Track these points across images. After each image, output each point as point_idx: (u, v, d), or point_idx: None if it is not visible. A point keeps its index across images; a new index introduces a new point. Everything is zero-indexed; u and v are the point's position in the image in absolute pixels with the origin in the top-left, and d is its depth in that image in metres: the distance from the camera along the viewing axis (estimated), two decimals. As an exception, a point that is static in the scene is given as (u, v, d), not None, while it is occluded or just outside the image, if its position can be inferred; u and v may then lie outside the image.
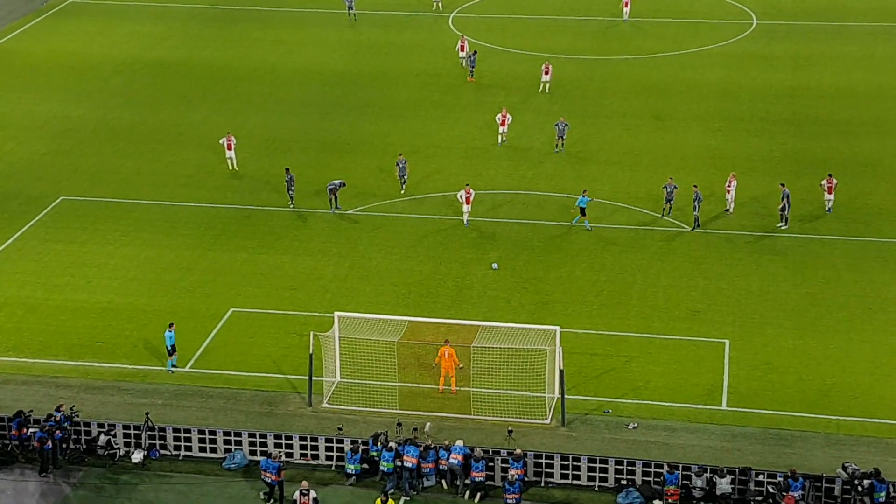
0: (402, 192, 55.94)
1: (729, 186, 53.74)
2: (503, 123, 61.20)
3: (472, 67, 69.06)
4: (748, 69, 71.41)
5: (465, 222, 52.88)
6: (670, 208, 53.25)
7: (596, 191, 56.02)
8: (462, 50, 71.14)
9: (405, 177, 56.00)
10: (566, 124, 59.26)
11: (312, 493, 35.96)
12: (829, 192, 53.49)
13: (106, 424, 39.45)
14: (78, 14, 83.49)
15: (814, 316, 46.28)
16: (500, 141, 61.15)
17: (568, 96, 67.81)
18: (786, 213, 52.34)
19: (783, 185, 53.14)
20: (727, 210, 53.75)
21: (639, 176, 57.82)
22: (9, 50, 76.85)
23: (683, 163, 59.13)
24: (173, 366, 43.11)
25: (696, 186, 52.77)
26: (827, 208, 53.62)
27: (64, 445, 38.72)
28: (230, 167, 58.85)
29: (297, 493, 35.99)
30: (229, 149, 58.76)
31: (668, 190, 53.17)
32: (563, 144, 59.03)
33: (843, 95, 67.42)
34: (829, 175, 54.12)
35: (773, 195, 54.45)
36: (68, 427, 38.86)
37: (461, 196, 53.08)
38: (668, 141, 62.02)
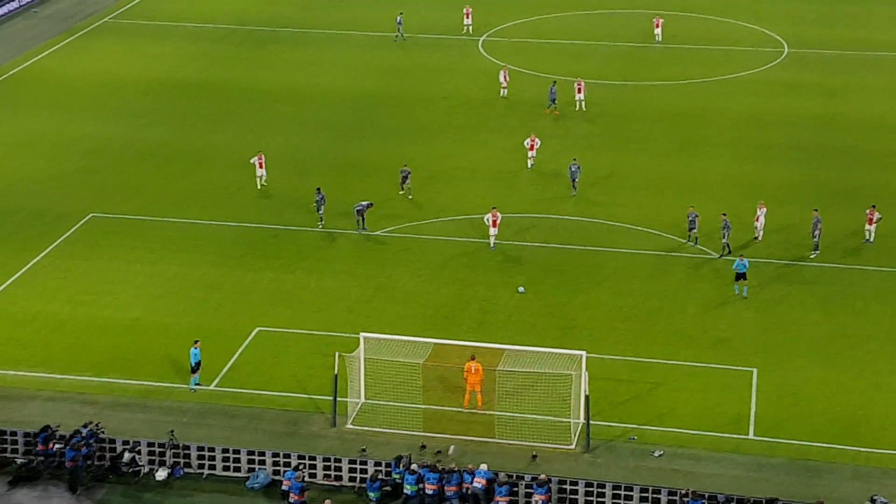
0: (409, 196, 57.35)
1: (758, 214, 53.48)
2: (532, 148, 61.15)
3: (554, 98, 68.09)
4: (778, 97, 71.20)
5: (491, 245, 52.79)
6: (696, 238, 52.95)
7: (623, 216, 55.94)
8: (504, 80, 70.88)
9: (406, 182, 57.44)
10: (578, 167, 58.24)
11: (335, 514, 35.90)
12: (869, 224, 53.07)
13: (131, 441, 39.45)
14: (108, 34, 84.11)
15: (842, 346, 45.90)
16: (529, 165, 61.08)
17: (596, 121, 67.77)
18: (817, 240, 52.05)
19: (816, 210, 52.88)
20: (756, 238, 53.47)
21: (666, 202, 57.61)
22: (40, 69, 77.45)
23: (711, 190, 58.91)
24: (196, 384, 43.11)
25: (724, 215, 52.50)
26: (865, 239, 53.23)
27: (89, 462, 38.72)
28: (259, 185, 59.00)
29: (321, 513, 35.93)
30: (260, 167, 58.97)
31: (690, 219, 52.94)
32: (576, 187, 57.89)
33: (872, 126, 67.10)
34: (873, 206, 53.65)
35: (802, 224, 54.15)
36: (93, 444, 38.86)
37: (488, 219, 53.03)
38: (696, 168, 61.83)
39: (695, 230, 52.86)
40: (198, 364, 42.98)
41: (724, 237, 52.06)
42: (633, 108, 69.73)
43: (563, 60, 77.42)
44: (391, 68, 76.56)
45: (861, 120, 67.88)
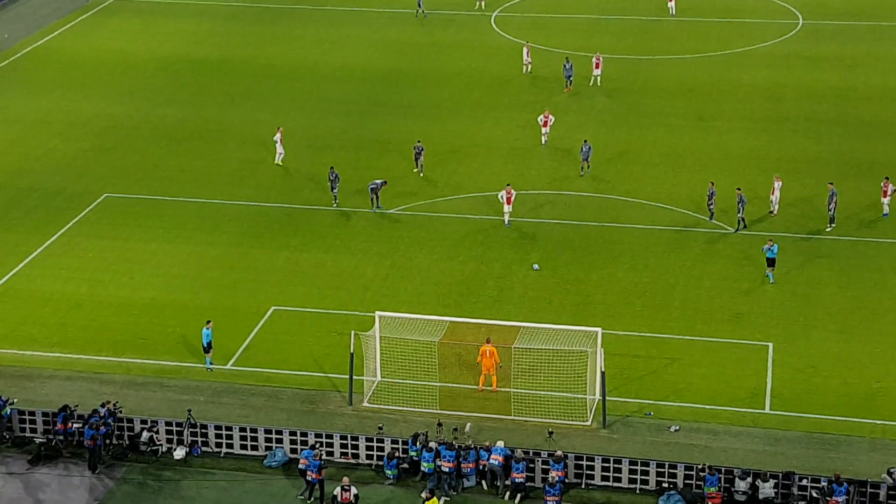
0: (421, 174, 57.28)
1: (773, 188, 53.30)
2: (545, 124, 60.93)
3: (570, 77, 67.45)
4: (794, 69, 70.82)
5: (505, 223, 52.74)
6: (712, 212, 52.70)
7: (638, 192, 55.84)
8: (527, 56, 70.47)
9: (419, 159, 57.40)
10: (590, 147, 57.51)
11: (353, 490, 36.04)
12: (884, 196, 52.77)
13: (149, 421, 39.68)
14: (122, 12, 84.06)
15: (859, 319, 45.80)
16: (543, 142, 60.89)
17: (611, 96, 67.53)
18: (832, 213, 51.88)
19: (831, 184, 52.70)
20: (771, 212, 53.30)
21: (681, 177, 57.48)
22: (54, 47, 77.51)
23: (727, 164, 58.71)
24: (211, 363, 43.27)
25: (739, 189, 52.35)
26: (883, 213, 52.91)
27: (107, 441, 38.99)
28: (276, 161, 59.04)
29: (339, 488, 36.08)
30: (280, 142, 59.11)
31: (709, 193, 52.73)
32: (588, 167, 57.31)
33: (890, 96, 66.70)
34: (886, 178, 53.34)
35: (818, 197, 53.96)
36: (112, 423, 39.11)
37: (502, 196, 52.97)
38: (711, 142, 61.61)
39: (713, 204, 52.64)
40: (209, 344, 43.11)
41: (739, 211, 51.90)
42: (647, 82, 69.44)
43: (575, 35, 77.10)
44: (404, 45, 76.36)
45: (878, 91, 67.47)
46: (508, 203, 52.75)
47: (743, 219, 51.99)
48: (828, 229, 52.01)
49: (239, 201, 56.02)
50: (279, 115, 65.29)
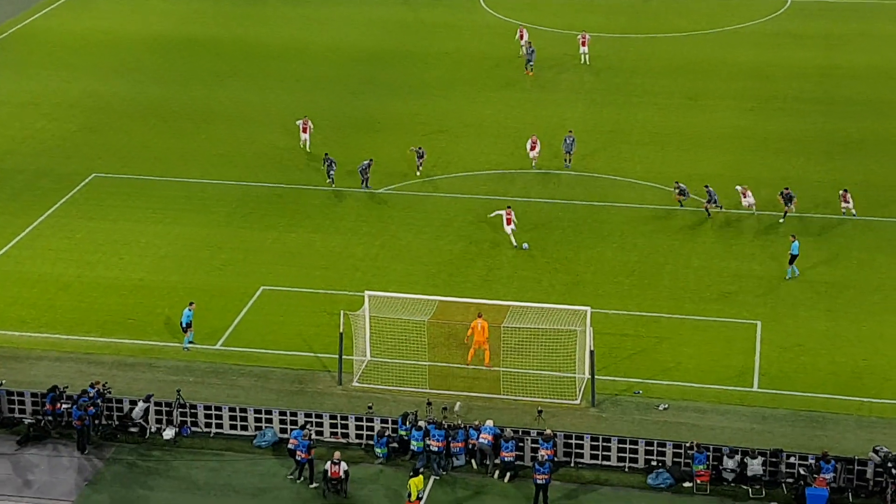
0: (418, 173, 55.67)
1: (745, 195, 51.78)
2: (533, 148, 57.01)
3: (531, 61, 67.09)
4: (781, 48, 70.86)
5: (513, 243, 49.53)
6: (684, 195, 52.01)
7: (626, 171, 55.89)
8: (522, 38, 70.11)
9: (422, 158, 55.49)
10: (573, 139, 56.45)
11: (343, 465, 36.16)
12: (845, 201, 51.29)
13: (139, 401, 39.64)
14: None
15: (847, 298, 45.99)
16: (532, 165, 58.37)
17: (600, 75, 67.51)
18: (790, 212, 50.77)
19: (787, 189, 51.34)
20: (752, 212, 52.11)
21: (670, 156, 57.56)
22: (41, 27, 77.12)
23: (715, 142, 58.82)
24: (189, 342, 43.22)
25: (707, 186, 51.58)
26: (851, 214, 51.50)
27: (97, 422, 39.01)
28: (306, 148, 58.46)
29: (329, 462, 36.19)
30: (304, 131, 58.61)
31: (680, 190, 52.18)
32: (570, 160, 56.27)
33: (876, 75, 66.83)
34: (845, 190, 51.62)
35: (805, 176, 54.08)
36: (100, 403, 39.13)
37: (504, 217, 49.97)
38: (699, 120, 61.67)
39: (683, 197, 52.12)
40: (189, 324, 43.09)
41: (714, 204, 51.10)
42: (636, 61, 69.40)
43: (565, 14, 76.99)
44: (394, 24, 76.16)
45: (863, 69, 67.59)
46: (509, 223, 49.87)
47: (719, 207, 51.05)
48: (780, 221, 50.87)
49: (228, 181, 55.93)
50: (268, 95, 65.17)
